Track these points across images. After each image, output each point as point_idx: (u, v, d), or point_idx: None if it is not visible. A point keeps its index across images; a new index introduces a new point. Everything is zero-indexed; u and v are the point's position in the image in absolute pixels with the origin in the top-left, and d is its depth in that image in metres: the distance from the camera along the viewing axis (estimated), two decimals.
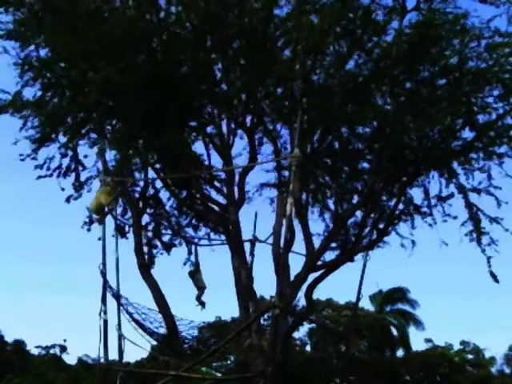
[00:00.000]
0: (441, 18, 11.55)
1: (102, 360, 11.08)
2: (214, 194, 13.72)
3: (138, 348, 11.90)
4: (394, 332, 38.34)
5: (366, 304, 36.92)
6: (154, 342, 13.10)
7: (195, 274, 13.54)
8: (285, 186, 12.78)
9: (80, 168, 13.25)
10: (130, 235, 13.83)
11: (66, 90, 12.13)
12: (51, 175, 12.88)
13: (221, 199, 13.58)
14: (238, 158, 13.58)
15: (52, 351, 42.82)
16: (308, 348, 36.39)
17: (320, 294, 31.86)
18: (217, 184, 13.71)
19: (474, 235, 12.44)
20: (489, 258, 12.21)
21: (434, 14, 11.56)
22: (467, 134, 12.47)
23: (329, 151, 13.52)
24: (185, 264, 14.41)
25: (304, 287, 12.97)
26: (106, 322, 11.02)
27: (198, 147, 13.55)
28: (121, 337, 11.46)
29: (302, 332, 34.97)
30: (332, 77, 12.19)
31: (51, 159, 12.85)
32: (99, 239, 11.60)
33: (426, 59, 11.83)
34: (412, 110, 12.02)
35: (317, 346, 34.93)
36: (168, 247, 14.34)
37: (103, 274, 11.42)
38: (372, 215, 13.48)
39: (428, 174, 13.05)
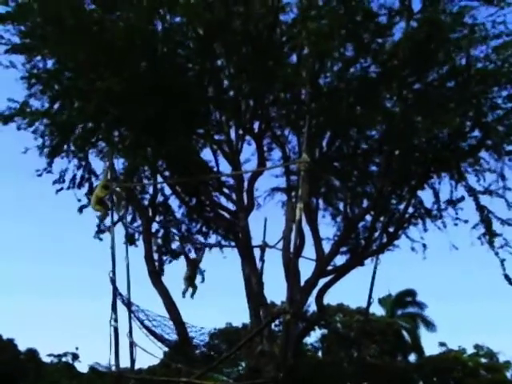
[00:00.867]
0: (447, 17, 11.49)
1: (114, 368, 11.08)
2: (223, 200, 13.76)
3: (149, 355, 11.92)
4: (406, 336, 38.07)
5: (375, 307, 36.78)
6: (166, 349, 13.10)
7: (189, 281, 13.44)
8: (294, 190, 12.77)
9: (93, 178, 13.41)
10: (140, 242, 13.90)
11: (74, 100, 12.24)
12: (69, 188, 13.21)
13: (230, 205, 13.61)
14: (246, 164, 13.63)
15: (64, 359, 43.01)
16: (320, 353, 36.22)
17: (331, 298, 31.67)
18: (226, 190, 13.74)
19: (486, 238, 12.34)
20: (502, 261, 12.11)
21: (439, 14, 11.50)
22: (477, 134, 12.43)
23: (338, 155, 13.51)
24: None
25: (314, 292, 12.95)
26: (116, 329, 11.03)
27: (207, 154, 13.62)
28: (132, 344, 11.47)
29: (313, 337, 34.85)
30: (339, 80, 12.18)
31: (65, 171, 13.09)
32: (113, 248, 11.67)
33: (433, 60, 11.79)
34: (421, 112, 11.98)
35: (328, 352, 34.75)
36: (177, 255, 14.35)
37: (113, 281, 11.44)
38: (382, 219, 13.42)
39: (438, 176, 12.99)
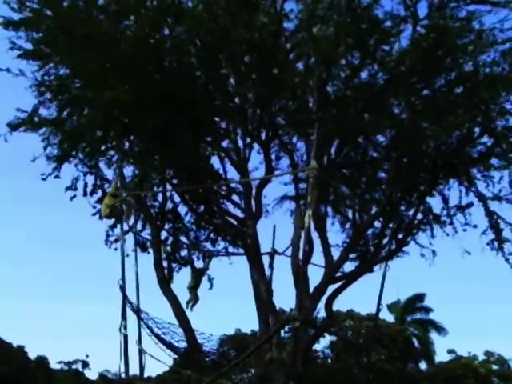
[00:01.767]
0: (454, 23, 11.48)
1: (123, 375, 11.10)
2: (231, 207, 13.78)
3: (158, 362, 11.93)
4: (416, 343, 37.81)
5: (385, 313, 36.59)
6: (175, 356, 13.10)
7: (193, 290, 13.43)
8: (302, 198, 12.77)
9: (106, 185, 13.48)
10: (150, 250, 13.94)
11: (83, 108, 12.34)
12: (86, 195, 13.21)
13: (238, 213, 13.62)
14: (254, 172, 13.64)
15: (74, 366, 43.09)
16: (330, 360, 36.03)
17: (340, 305, 31.57)
18: (234, 198, 13.76)
19: (496, 244, 12.28)
20: None
21: (446, 20, 11.50)
22: (486, 140, 12.39)
23: (346, 162, 13.50)
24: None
25: (324, 299, 12.92)
26: (126, 337, 11.06)
27: (215, 162, 13.66)
28: (141, 351, 11.49)
29: (323, 344, 34.69)
30: (347, 87, 12.20)
31: (77, 179, 13.16)
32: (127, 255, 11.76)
33: (441, 66, 11.78)
34: (429, 118, 11.96)
35: (338, 358, 34.58)
36: (185, 263, 14.37)
37: (122, 289, 11.48)
38: (391, 225, 13.39)
39: (447, 182, 12.96)
